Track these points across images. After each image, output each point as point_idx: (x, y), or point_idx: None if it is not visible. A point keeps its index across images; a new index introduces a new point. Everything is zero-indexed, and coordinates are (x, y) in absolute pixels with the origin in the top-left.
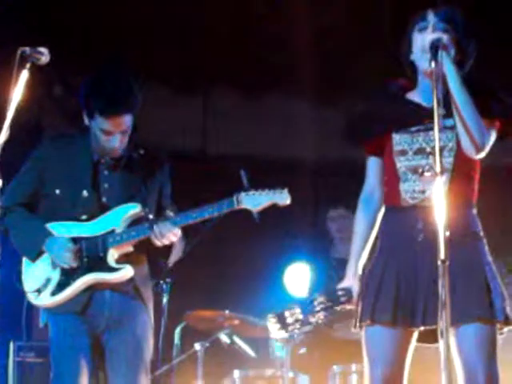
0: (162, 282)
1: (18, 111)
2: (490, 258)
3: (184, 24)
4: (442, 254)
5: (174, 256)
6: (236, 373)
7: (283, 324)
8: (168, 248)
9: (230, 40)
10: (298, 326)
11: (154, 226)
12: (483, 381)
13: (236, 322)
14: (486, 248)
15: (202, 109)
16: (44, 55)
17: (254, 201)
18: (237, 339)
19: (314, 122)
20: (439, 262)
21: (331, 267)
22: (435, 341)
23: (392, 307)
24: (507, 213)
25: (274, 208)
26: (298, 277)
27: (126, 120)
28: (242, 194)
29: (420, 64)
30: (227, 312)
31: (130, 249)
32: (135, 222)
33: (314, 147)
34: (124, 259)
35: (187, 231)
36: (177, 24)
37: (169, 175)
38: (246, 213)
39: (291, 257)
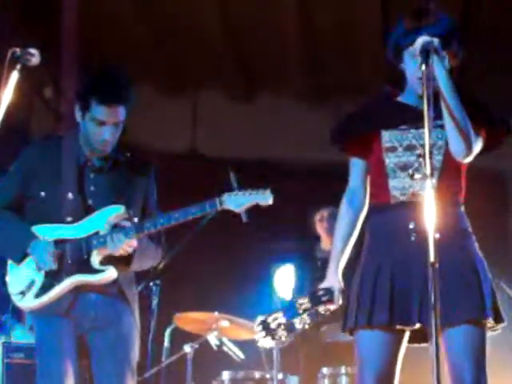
0: (151, 284)
1: (8, 112)
2: (480, 254)
3: (172, 25)
4: (431, 257)
5: (143, 262)
6: (225, 374)
7: (267, 330)
8: (128, 256)
9: (219, 42)
10: (284, 332)
11: (107, 238)
12: (470, 383)
13: (225, 323)
14: (476, 245)
15: (191, 111)
16: (35, 56)
17: (237, 201)
18: (226, 341)
19: (302, 124)
20: (428, 265)
21: (317, 269)
22: (423, 340)
23: (388, 309)
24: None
25: (262, 210)
26: (287, 279)
27: (121, 112)
28: (225, 195)
29: (409, 68)
30: (216, 314)
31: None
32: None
33: (300, 149)
34: (108, 261)
35: (161, 236)
36: (165, 25)
37: (154, 179)
38: (235, 215)
39: (281, 259)
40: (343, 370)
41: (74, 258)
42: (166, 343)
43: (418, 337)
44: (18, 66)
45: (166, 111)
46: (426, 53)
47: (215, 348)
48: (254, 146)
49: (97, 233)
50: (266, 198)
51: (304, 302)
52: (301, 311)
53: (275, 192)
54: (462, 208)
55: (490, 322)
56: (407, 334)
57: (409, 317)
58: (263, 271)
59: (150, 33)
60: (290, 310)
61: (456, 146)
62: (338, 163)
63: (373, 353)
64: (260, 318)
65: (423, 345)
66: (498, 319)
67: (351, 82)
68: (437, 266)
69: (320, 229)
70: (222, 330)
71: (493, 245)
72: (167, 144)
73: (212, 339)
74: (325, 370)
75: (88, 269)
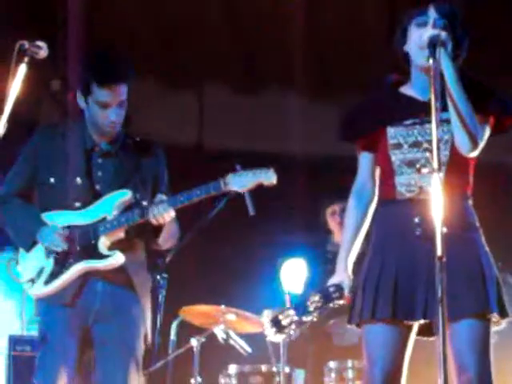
0: (158, 277)
1: (16, 106)
2: (486, 249)
3: (177, 19)
4: (439, 251)
5: (167, 239)
6: (232, 368)
7: (279, 327)
8: (158, 227)
9: (225, 35)
10: (294, 326)
11: (152, 209)
12: (474, 378)
13: (232, 317)
14: (483, 239)
15: (197, 104)
16: (42, 49)
17: (241, 182)
18: (233, 334)
19: (309, 116)
20: (436, 259)
21: (328, 261)
22: (432, 334)
23: (391, 303)
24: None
25: (270, 202)
26: (294, 272)
27: (123, 91)
28: (229, 176)
29: (416, 60)
30: (223, 307)
31: (121, 235)
32: (128, 209)
33: (309, 142)
34: (117, 246)
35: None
36: (170, 19)
37: (165, 162)
38: (242, 208)
39: (287, 252)
40: (350, 363)
41: (82, 244)
42: (173, 336)
43: (425, 330)
44: (26, 59)
45: (171, 105)
46: (433, 46)
47: (222, 341)
48: (260, 140)
49: (104, 218)
50: (269, 177)
51: (315, 299)
52: (312, 309)
53: (282, 186)
54: (470, 202)
55: (494, 316)
56: (415, 328)
57: (413, 312)
58: (270, 264)
59: (154, 27)
60: (302, 307)
61: (461, 140)
62: (346, 156)
63: (379, 347)
64: (271, 315)
65: (430, 338)
66: (503, 313)
67: (356, 75)
68: (444, 259)
69: (332, 223)
70: (228, 324)
71: (499, 238)
72: (172, 138)
73: (219, 332)
74: (331, 364)
75: (95, 254)
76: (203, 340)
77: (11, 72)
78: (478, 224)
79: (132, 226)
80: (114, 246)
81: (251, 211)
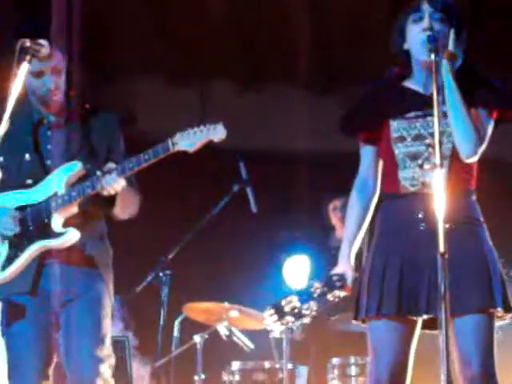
0: (161, 274)
1: (18, 103)
2: (490, 244)
3: (181, 14)
4: (441, 247)
5: (123, 208)
6: (235, 364)
7: (280, 314)
8: (112, 197)
9: (228, 30)
10: (292, 318)
11: (100, 179)
12: (478, 374)
13: (235, 313)
14: (487, 234)
15: (200, 101)
16: (44, 47)
17: (189, 140)
18: (235, 331)
19: (312, 113)
20: (438, 255)
21: (332, 256)
22: (436, 327)
23: (397, 299)
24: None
25: (273, 200)
26: (297, 269)
27: (54, 55)
28: (177, 135)
29: (417, 55)
30: (226, 304)
31: (75, 210)
32: (80, 181)
33: (312, 138)
34: (73, 222)
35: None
36: (174, 15)
37: (119, 130)
38: (245, 205)
39: (290, 249)
40: (352, 360)
41: (35, 223)
42: (176, 333)
43: (430, 324)
44: (28, 57)
45: (175, 101)
46: (434, 40)
47: (225, 338)
48: (265, 136)
49: (55, 194)
50: (218, 133)
51: (319, 286)
52: (315, 295)
53: (284, 182)
54: (474, 197)
55: (499, 311)
56: (419, 323)
57: (416, 307)
58: (273, 261)
59: (158, 23)
60: (305, 294)
61: (461, 148)
62: (348, 152)
63: (385, 342)
64: (273, 303)
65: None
66: (508, 308)
67: (361, 70)
68: (446, 256)
69: (334, 219)
70: (231, 320)
71: (504, 233)
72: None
73: (222, 329)
74: (334, 360)
75: (49, 233)
76: (206, 337)
77: (13, 70)
78: (482, 219)
79: (85, 199)
80: (69, 222)
81: (253, 208)
